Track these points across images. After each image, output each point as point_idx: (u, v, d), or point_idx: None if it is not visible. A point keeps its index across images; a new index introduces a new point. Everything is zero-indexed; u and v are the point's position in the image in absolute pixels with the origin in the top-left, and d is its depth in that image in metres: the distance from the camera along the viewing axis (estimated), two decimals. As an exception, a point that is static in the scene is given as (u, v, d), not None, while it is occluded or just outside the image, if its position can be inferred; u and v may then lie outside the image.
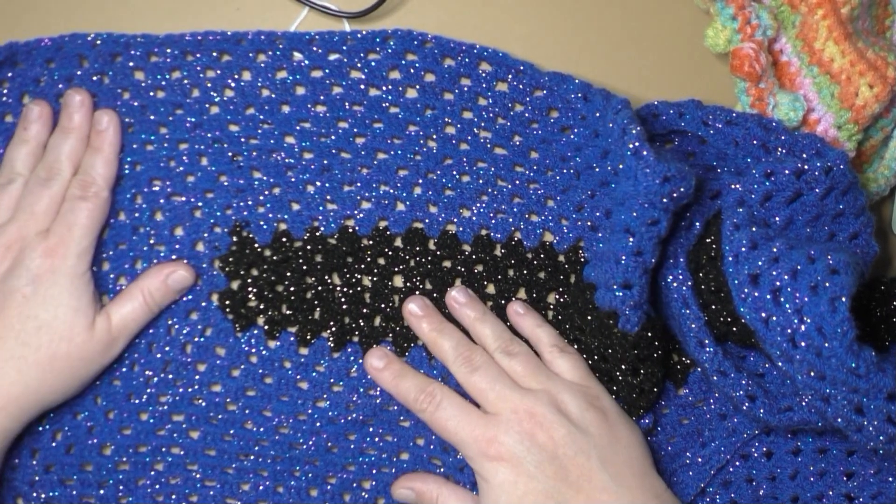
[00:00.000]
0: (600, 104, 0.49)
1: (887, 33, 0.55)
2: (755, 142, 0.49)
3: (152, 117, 0.50)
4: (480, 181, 0.51)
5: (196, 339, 0.51)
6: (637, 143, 0.45)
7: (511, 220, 0.51)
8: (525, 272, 0.52)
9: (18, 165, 0.49)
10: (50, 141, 0.49)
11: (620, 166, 0.47)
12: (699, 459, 0.51)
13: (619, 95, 0.49)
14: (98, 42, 0.49)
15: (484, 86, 0.51)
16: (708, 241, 0.48)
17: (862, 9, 0.51)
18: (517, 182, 0.51)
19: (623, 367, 0.49)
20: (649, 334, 0.48)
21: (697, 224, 0.49)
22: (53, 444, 0.51)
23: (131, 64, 0.49)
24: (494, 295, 0.52)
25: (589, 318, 0.49)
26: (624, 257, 0.46)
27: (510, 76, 0.50)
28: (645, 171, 0.45)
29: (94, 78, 0.49)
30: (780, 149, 0.49)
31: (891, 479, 0.51)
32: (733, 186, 0.48)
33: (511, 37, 0.53)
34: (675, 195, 0.45)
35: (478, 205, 0.51)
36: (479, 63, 0.50)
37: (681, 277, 0.48)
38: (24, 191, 0.48)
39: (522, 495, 0.45)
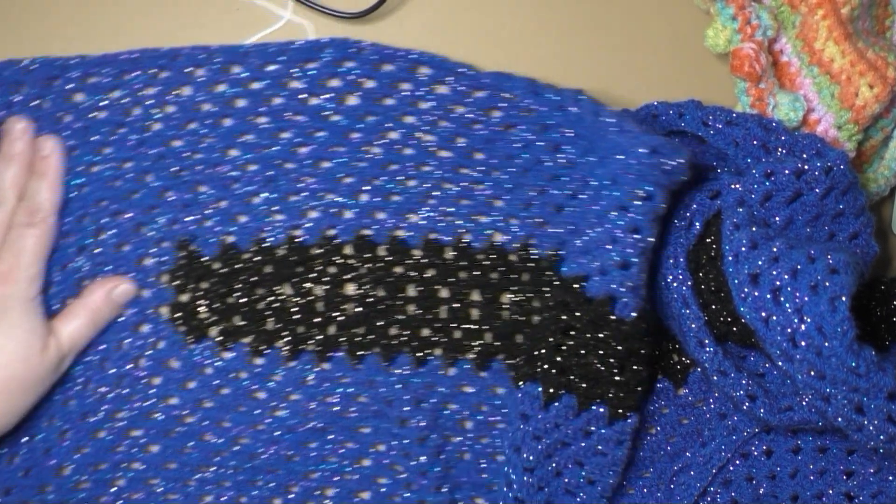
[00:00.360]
0: (554, 97, 0.49)
1: (887, 33, 0.55)
2: (755, 142, 0.49)
3: (95, 138, 0.49)
4: (426, 185, 0.51)
5: (148, 353, 0.51)
6: (616, 120, 0.46)
7: (459, 222, 0.51)
8: (477, 273, 0.52)
9: None
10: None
11: (592, 161, 0.47)
12: (700, 459, 0.51)
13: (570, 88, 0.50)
14: (33, 67, 0.49)
15: (424, 89, 0.50)
16: (708, 240, 0.48)
17: (862, 9, 0.51)
18: (463, 184, 0.51)
19: (611, 361, 0.48)
20: (644, 325, 0.48)
21: (697, 224, 0.49)
22: (10, 468, 0.50)
23: (69, 86, 0.49)
24: (448, 298, 0.52)
25: (579, 313, 0.49)
26: (620, 233, 0.46)
27: (450, 78, 0.50)
28: (633, 143, 0.45)
29: (33, 103, 0.49)
30: (780, 149, 0.49)
31: (891, 477, 0.51)
32: (733, 186, 0.48)
33: (510, 37, 0.53)
34: (667, 168, 0.45)
35: (425, 209, 0.51)
36: (418, 67, 0.50)
37: (681, 277, 0.48)
38: None
39: None
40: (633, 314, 0.47)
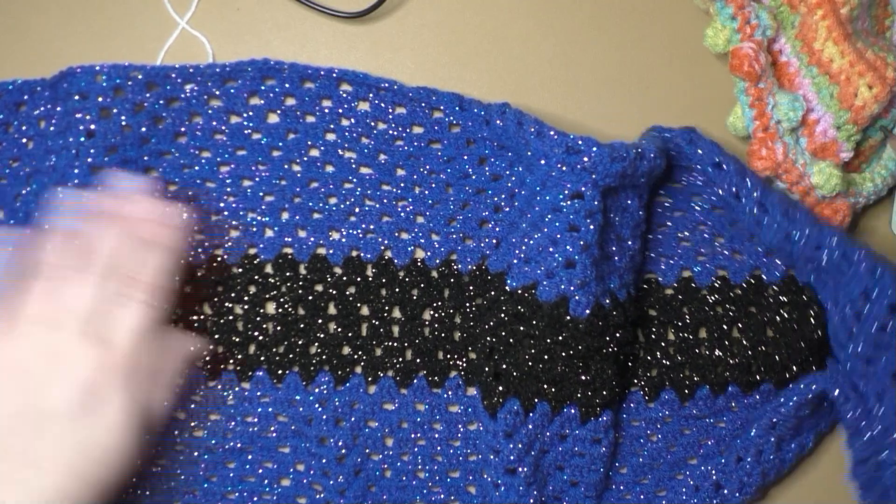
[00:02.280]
0: (479, 111, 0.50)
1: (887, 33, 0.55)
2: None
3: (29, 166, 0.50)
4: (348, 202, 0.52)
5: None
6: (536, 127, 0.47)
7: (381, 239, 0.52)
8: (397, 290, 0.52)
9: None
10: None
11: (524, 161, 0.48)
12: (701, 469, 0.52)
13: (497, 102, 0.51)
14: None
15: (346, 106, 0.51)
16: None
17: (861, 9, 0.51)
18: (385, 200, 0.52)
19: (575, 361, 0.49)
20: (600, 323, 0.48)
21: None
22: None
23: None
24: (368, 316, 0.52)
25: (535, 321, 0.49)
26: (559, 235, 0.47)
27: (371, 95, 0.51)
28: (552, 146, 0.47)
29: None
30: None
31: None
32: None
33: (510, 37, 0.54)
34: (586, 164, 0.47)
35: (346, 226, 0.52)
36: (340, 84, 0.51)
37: None
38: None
39: None
40: (587, 311, 0.48)
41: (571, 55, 0.54)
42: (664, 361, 0.52)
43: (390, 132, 0.51)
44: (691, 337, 0.52)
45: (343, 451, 0.51)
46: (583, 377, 0.49)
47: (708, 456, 0.52)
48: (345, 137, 0.51)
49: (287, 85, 0.50)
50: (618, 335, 0.49)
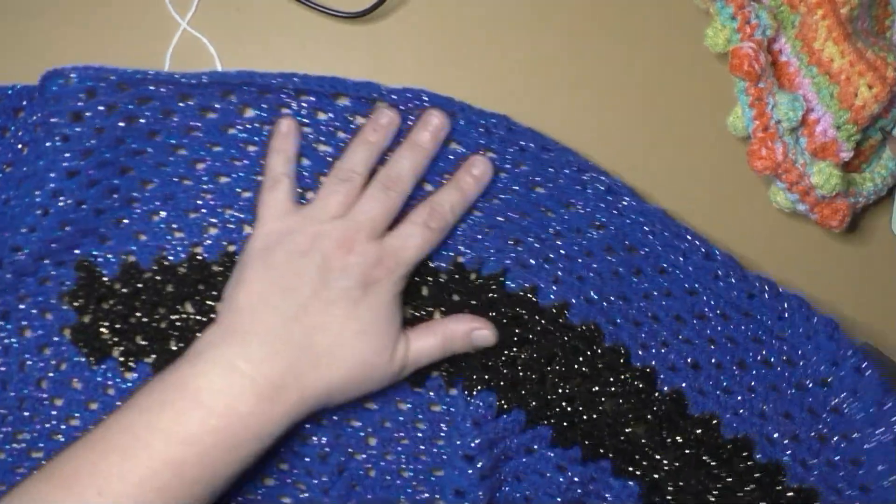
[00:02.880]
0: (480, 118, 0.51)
1: (887, 33, 0.55)
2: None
3: (20, 172, 0.49)
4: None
5: (50, 375, 0.50)
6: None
7: None
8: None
9: (359, 166, 0.48)
10: (397, 152, 0.49)
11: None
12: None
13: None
14: None
15: (325, 100, 0.50)
16: None
17: (862, 9, 0.51)
18: None
19: (558, 382, 0.50)
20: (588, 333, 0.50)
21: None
22: None
23: None
24: None
25: (531, 324, 0.51)
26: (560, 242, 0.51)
27: (350, 92, 0.50)
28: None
29: None
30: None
31: None
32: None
33: (510, 37, 0.54)
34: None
35: None
36: (299, 95, 0.50)
37: None
38: (364, 194, 0.48)
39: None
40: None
41: (571, 55, 0.54)
42: (670, 487, 0.51)
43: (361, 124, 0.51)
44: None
45: (326, 449, 0.51)
46: (564, 403, 0.50)
47: None
48: (320, 131, 0.50)
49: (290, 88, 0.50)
50: (601, 366, 0.50)
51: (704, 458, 0.51)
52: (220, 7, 0.52)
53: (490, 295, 0.51)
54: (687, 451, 0.51)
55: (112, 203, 0.50)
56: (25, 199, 0.48)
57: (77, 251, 0.50)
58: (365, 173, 0.48)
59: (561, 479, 0.51)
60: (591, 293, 0.51)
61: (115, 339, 0.51)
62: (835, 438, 0.50)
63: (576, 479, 0.51)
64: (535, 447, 0.51)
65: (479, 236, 0.51)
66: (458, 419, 0.50)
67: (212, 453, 0.42)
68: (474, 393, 0.50)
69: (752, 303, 0.51)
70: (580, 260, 0.51)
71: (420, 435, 0.52)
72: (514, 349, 0.51)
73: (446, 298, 0.51)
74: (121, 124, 0.48)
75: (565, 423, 0.51)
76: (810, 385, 0.50)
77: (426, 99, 0.49)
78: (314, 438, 0.51)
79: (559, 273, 0.51)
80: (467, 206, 0.50)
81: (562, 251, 0.51)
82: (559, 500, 0.51)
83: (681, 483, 0.51)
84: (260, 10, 0.52)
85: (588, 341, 0.51)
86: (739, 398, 0.51)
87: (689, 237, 0.51)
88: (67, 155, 0.48)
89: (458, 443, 0.49)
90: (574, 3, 0.54)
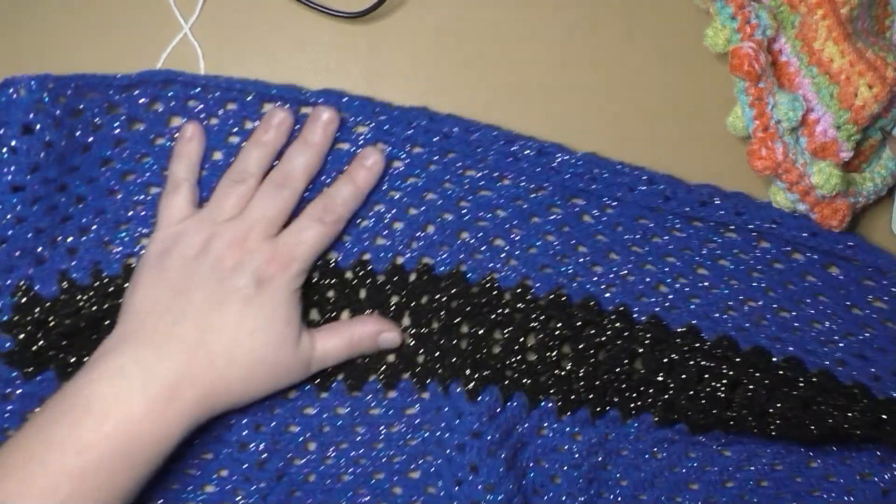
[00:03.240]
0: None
1: (887, 33, 0.55)
2: None
3: None
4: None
5: None
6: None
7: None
8: (315, 297, 0.51)
9: (252, 166, 0.49)
10: (289, 150, 0.49)
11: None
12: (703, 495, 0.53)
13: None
14: None
15: (250, 110, 0.50)
16: None
17: (862, 9, 0.51)
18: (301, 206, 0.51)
19: (548, 354, 0.51)
20: (559, 303, 0.51)
21: None
22: None
23: None
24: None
25: (499, 307, 0.52)
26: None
27: (236, 95, 0.50)
28: None
29: None
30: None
31: None
32: None
33: (509, 37, 0.54)
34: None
35: None
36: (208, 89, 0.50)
37: None
38: (256, 193, 0.48)
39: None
40: (546, 291, 0.51)
41: (571, 55, 0.54)
42: (683, 402, 0.52)
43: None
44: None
45: (264, 455, 0.51)
46: (557, 371, 0.51)
47: (710, 483, 0.53)
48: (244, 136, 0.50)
49: (188, 89, 0.50)
50: (579, 324, 0.51)
51: (702, 362, 0.52)
52: (219, 7, 0.52)
53: (454, 290, 0.51)
54: (685, 363, 0.52)
55: (51, 221, 0.49)
56: None
57: (12, 275, 0.49)
58: (259, 173, 0.49)
59: (576, 448, 0.51)
60: (545, 260, 0.52)
61: (54, 353, 0.49)
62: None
63: (593, 440, 0.52)
64: (545, 425, 0.51)
65: (420, 234, 0.52)
66: (467, 422, 0.50)
67: (109, 459, 0.42)
68: (478, 394, 0.50)
69: (705, 209, 0.52)
70: (528, 231, 0.52)
71: (359, 439, 0.51)
72: (492, 336, 0.51)
73: (353, 300, 0.51)
74: (63, 142, 0.48)
75: (565, 388, 0.51)
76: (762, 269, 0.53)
77: (345, 100, 0.50)
78: (252, 446, 0.51)
79: (514, 252, 0.52)
80: (361, 198, 0.50)
81: (507, 227, 0.52)
82: (584, 467, 0.51)
83: (691, 392, 0.51)
84: (260, 10, 0.52)
85: (558, 307, 0.51)
86: (709, 301, 0.52)
87: (626, 170, 0.52)
88: (14, 168, 0.47)
89: (478, 442, 0.50)
90: (574, 3, 0.54)
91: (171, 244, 0.47)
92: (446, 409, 0.51)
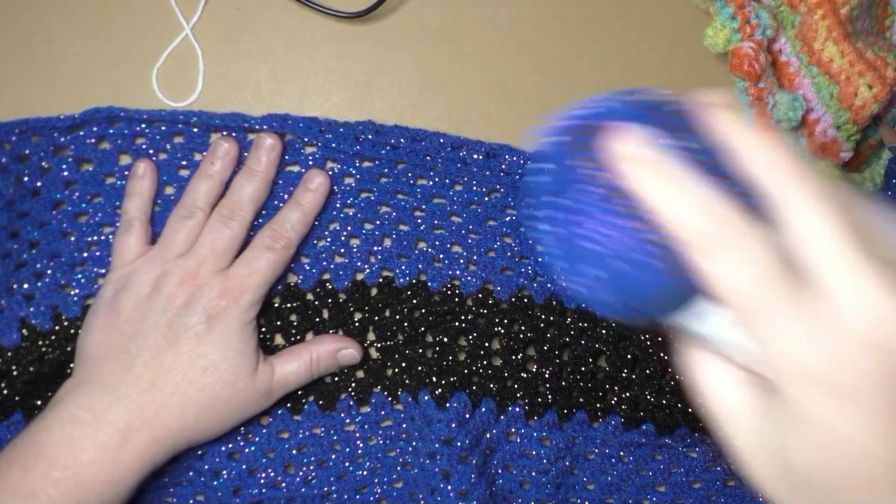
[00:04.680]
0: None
1: (887, 33, 0.55)
2: None
3: None
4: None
5: None
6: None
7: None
8: (275, 320, 0.51)
9: (200, 200, 0.48)
10: (235, 180, 0.49)
11: None
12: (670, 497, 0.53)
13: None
14: None
15: (196, 140, 0.50)
16: None
17: (861, 9, 0.51)
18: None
19: (512, 357, 0.52)
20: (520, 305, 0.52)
21: None
22: None
23: None
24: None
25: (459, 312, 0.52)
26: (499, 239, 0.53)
27: (181, 128, 0.50)
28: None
29: None
30: None
31: None
32: None
33: (509, 37, 0.53)
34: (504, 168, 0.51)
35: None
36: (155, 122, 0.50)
37: None
38: (205, 227, 0.48)
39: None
40: (507, 294, 0.51)
41: (571, 55, 0.54)
42: (649, 397, 0.52)
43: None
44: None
45: (238, 483, 0.50)
46: (523, 374, 0.51)
47: (676, 484, 0.53)
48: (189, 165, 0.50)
49: (133, 125, 0.49)
50: (542, 326, 0.51)
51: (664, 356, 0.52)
52: (219, 6, 0.52)
53: (416, 301, 0.51)
54: (648, 358, 0.52)
55: (4, 269, 0.49)
56: None
57: None
58: (207, 206, 0.48)
59: (544, 453, 0.51)
60: (505, 263, 0.52)
61: (20, 397, 0.49)
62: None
63: (560, 444, 0.52)
64: (513, 430, 0.51)
65: (377, 247, 0.51)
66: (437, 429, 0.50)
67: None
68: (447, 400, 0.50)
69: None
70: (485, 234, 0.52)
71: (337, 457, 0.51)
72: (457, 343, 0.52)
73: (316, 321, 0.51)
74: (10, 189, 0.48)
75: (532, 392, 0.51)
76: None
77: (290, 122, 0.49)
78: (224, 472, 0.50)
79: (473, 257, 0.52)
80: (310, 221, 0.50)
81: (463, 232, 0.52)
82: (553, 472, 0.52)
83: (655, 387, 0.52)
84: (260, 10, 0.52)
85: (521, 309, 0.51)
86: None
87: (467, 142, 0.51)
88: None
89: (448, 449, 0.49)
90: (574, 4, 0.54)
91: (122, 285, 0.47)
92: (418, 417, 0.51)
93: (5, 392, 0.48)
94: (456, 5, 0.53)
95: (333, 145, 0.50)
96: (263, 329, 0.50)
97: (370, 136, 0.50)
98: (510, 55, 0.54)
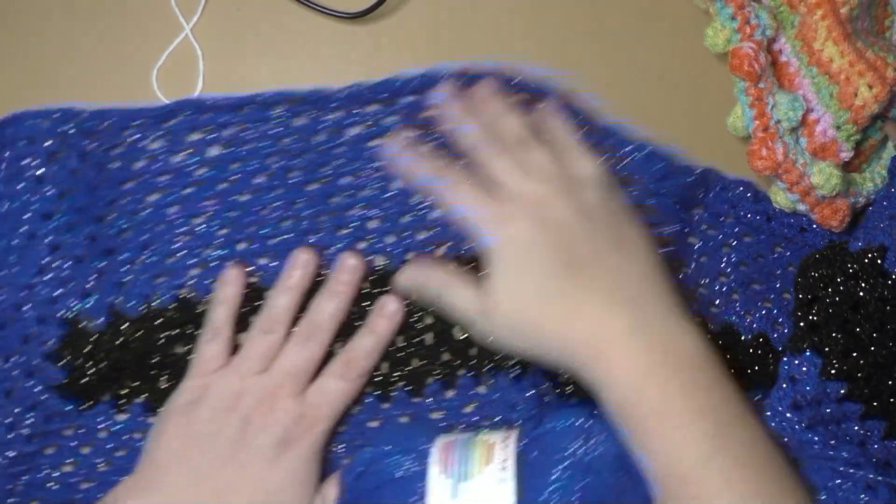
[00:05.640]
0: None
1: (887, 33, 0.55)
2: None
3: None
4: (304, 223, 0.51)
5: (40, 430, 0.50)
6: None
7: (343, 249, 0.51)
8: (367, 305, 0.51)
9: (281, 315, 0.48)
10: (316, 299, 0.49)
11: None
12: None
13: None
14: None
15: (282, 127, 0.50)
16: None
17: (861, 9, 0.51)
18: (336, 213, 0.51)
19: None
20: None
21: None
22: None
23: None
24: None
25: None
26: None
27: (304, 109, 0.50)
28: None
29: None
30: None
31: None
32: None
33: (510, 37, 0.54)
34: None
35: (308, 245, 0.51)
36: (273, 107, 0.50)
37: None
38: (285, 347, 0.48)
39: (524, 275, 0.44)
40: None
41: (571, 55, 0.54)
42: None
43: (328, 143, 0.51)
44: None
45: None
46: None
47: None
48: (287, 157, 0.51)
49: (223, 115, 0.50)
50: None
51: None
52: (219, 6, 0.52)
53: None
54: None
55: (91, 251, 0.49)
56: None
57: (58, 304, 0.49)
58: (287, 321, 0.48)
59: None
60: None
61: (105, 384, 0.50)
62: None
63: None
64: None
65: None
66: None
67: None
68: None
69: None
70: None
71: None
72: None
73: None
74: (93, 169, 0.49)
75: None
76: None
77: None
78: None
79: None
80: (383, 349, 0.49)
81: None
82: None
83: None
84: (260, 10, 0.52)
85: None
86: None
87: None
88: (41, 196, 0.48)
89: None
90: (574, 4, 0.54)
91: (199, 395, 0.47)
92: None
93: (91, 376, 0.49)
94: (456, 5, 0.53)
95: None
96: None
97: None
98: (508, 55, 0.53)
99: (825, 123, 0.51)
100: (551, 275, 0.44)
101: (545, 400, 0.50)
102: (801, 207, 0.51)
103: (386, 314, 0.49)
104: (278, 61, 0.52)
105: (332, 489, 0.47)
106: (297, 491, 0.46)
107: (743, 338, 0.52)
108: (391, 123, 0.51)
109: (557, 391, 0.51)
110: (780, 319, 0.53)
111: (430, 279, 0.48)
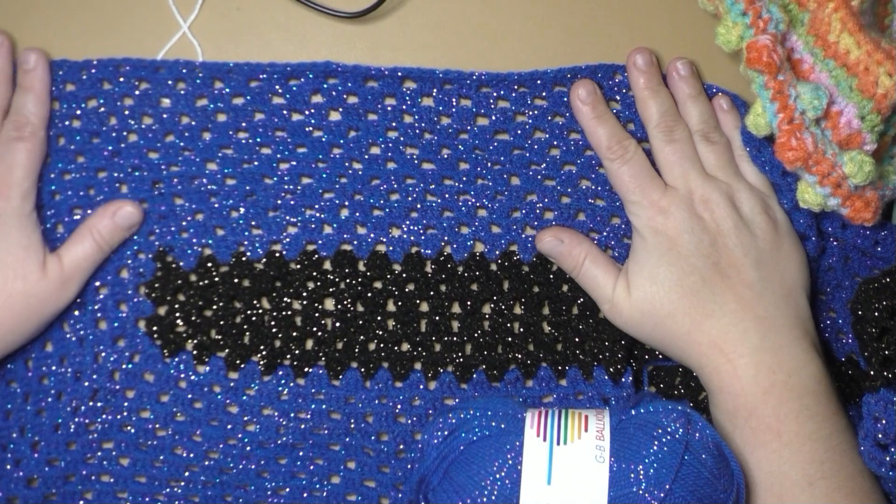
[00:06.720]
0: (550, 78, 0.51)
1: (886, 32, 0.55)
2: None
3: (70, 147, 0.49)
4: (409, 198, 0.51)
5: (124, 367, 0.51)
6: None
7: (440, 234, 0.51)
8: (457, 285, 0.51)
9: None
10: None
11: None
12: None
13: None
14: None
15: (409, 102, 0.50)
16: None
17: (868, 4, 0.51)
18: (447, 195, 0.51)
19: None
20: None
21: None
22: None
23: None
24: (428, 312, 0.51)
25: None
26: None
27: (435, 90, 0.50)
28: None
29: None
30: None
31: None
32: None
33: (510, 36, 0.53)
34: None
35: (407, 222, 0.51)
36: (404, 81, 0.50)
37: None
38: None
39: (670, 264, 0.48)
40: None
41: (573, 56, 0.53)
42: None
43: (454, 126, 0.50)
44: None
45: (401, 446, 0.51)
46: (616, 350, 0.52)
47: None
48: (407, 134, 0.50)
49: (349, 84, 0.49)
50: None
51: None
52: (219, 6, 0.51)
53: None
54: None
55: (191, 192, 0.51)
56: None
57: (154, 239, 0.51)
58: None
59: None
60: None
61: (190, 331, 0.51)
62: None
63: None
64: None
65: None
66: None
67: None
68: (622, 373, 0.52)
69: None
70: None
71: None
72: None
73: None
74: (202, 119, 0.50)
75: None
76: None
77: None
78: (389, 436, 0.52)
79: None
80: (46, 100, 0.49)
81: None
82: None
83: None
84: (260, 9, 0.51)
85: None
86: None
87: None
88: (150, 135, 0.50)
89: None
90: (577, 5, 0.53)
91: None
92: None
93: (178, 316, 0.51)
94: (456, 5, 0.52)
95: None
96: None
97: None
98: (510, 56, 0.53)
99: (849, 115, 0.49)
100: (694, 272, 0.47)
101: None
102: (832, 202, 0.49)
103: (30, 67, 0.48)
104: (277, 60, 0.50)
105: (68, 248, 0.49)
106: (17, 255, 0.47)
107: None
108: (520, 122, 0.51)
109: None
110: (845, 329, 0.54)
111: (578, 246, 0.50)
